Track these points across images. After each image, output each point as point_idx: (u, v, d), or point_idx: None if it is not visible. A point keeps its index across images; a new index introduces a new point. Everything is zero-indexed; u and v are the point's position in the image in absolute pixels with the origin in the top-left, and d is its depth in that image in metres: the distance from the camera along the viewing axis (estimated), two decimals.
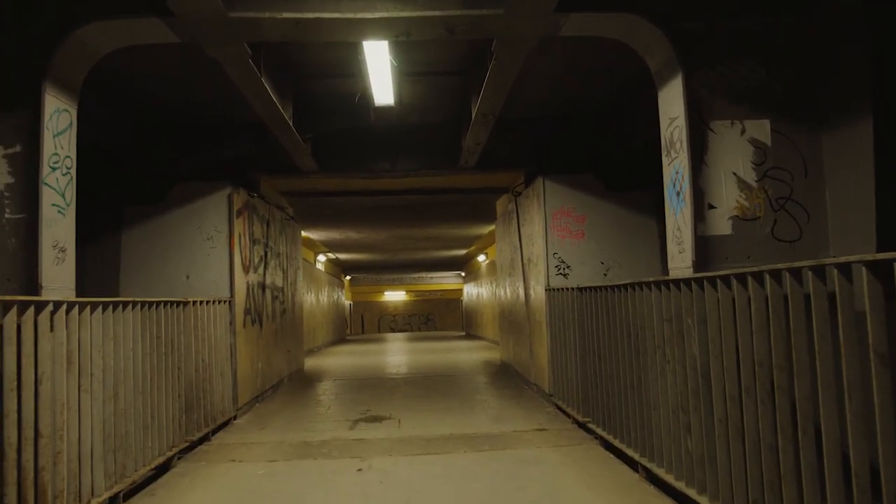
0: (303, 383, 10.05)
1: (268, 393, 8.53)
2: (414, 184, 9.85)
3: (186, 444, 5.48)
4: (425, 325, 42.78)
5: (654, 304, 4.15)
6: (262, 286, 8.37)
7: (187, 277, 7.08)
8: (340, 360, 15.15)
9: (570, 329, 6.21)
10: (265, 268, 8.53)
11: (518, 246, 8.99)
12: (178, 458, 5.24)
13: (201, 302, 6.02)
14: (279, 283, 9.42)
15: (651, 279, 4.15)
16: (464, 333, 29.20)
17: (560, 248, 7.36)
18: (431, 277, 36.33)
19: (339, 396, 8.48)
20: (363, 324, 41.56)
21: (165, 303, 5.17)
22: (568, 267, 7.34)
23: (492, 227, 15.30)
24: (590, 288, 5.55)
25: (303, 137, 6.92)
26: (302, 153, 7.26)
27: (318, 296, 20.25)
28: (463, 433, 5.94)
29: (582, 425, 5.83)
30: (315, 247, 18.89)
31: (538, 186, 7.54)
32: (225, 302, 6.82)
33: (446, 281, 36.62)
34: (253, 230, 8.00)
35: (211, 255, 7.11)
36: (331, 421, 6.77)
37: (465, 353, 15.64)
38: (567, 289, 6.32)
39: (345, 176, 8.29)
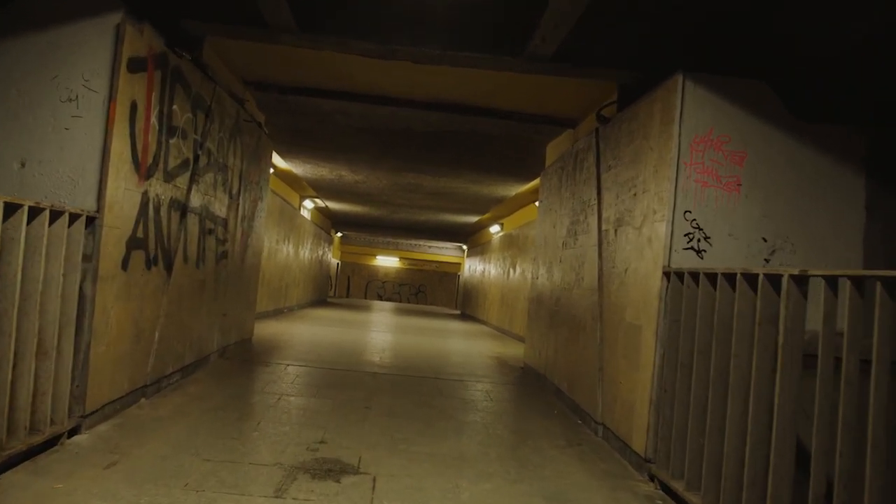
0: (240, 365, 6.89)
1: (173, 379, 5.36)
2: (443, 88, 6.59)
3: None
4: (415, 296, 39.80)
5: None
6: (182, 208, 5.15)
7: (22, 165, 3.84)
8: (312, 329, 12.01)
9: (766, 362, 3.04)
10: (192, 180, 5.30)
11: (593, 202, 5.79)
12: None
13: None
14: (218, 210, 6.19)
15: None
16: (459, 313, 26.16)
17: (697, 203, 4.16)
18: (429, 247, 33.25)
19: (285, 400, 5.34)
20: (349, 286, 38.51)
21: None
22: (706, 238, 4.16)
23: (523, 188, 12.06)
24: None
25: None
26: None
27: (299, 248, 17.07)
28: None
29: None
30: (301, 188, 15.62)
31: (669, 95, 4.32)
32: (76, 216, 3.62)
33: (445, 252, 33.57)
34: (171, 110, 4.75)
35: (72, 130, 3.87)
36: (248, 463, 3.62)
37: (467, 342, 12.52)
38: (765, 277, 3.14)
39: (338, 43, 5.03)
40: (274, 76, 6.77)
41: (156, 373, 4.92)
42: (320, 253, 21.88)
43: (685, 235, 4.15)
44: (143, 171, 4.36)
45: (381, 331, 13.12)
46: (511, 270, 15.56)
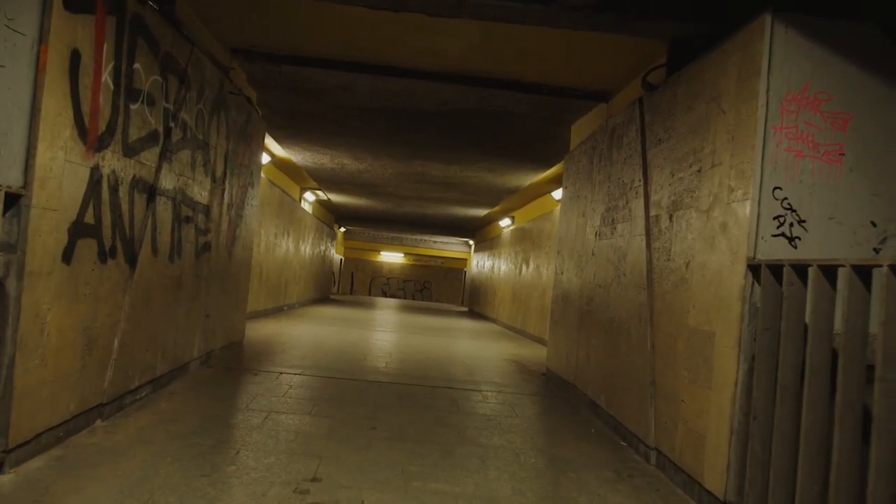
0: (225, 374, 6.04)
1: (140, 394, 4.51)
2: (458, 55, 5.71)
3: None
4: (420, 293, 38.96)
5: None
6: (149, 189, 4.30)
7: None
8: (312, 329, 11.17)
9: None
10: (163, 157, 4.44)
11: (637, 184, 4.92)
12: None
13: None
14: (198, 195, 5.34)
15: None
16: (466, 310, 25.30)
17: (789, 178, 3.29)
18: (435, 242, 32.38)
19: (274, 419, 4.48)
20: (353, 283, 37.69)
21: None
22: (801, 222, 3.29)
23: (539, 177, 11.18)
24: None
25: None
26: None
27: (300, 242, 16.23)
28: None
29: None
30: (301, 178, 14.77)
31: (752, 42, 3.44)
32: None
33: (450, 248, 32.71)
34: (131, 68, 3.90)
35: None
36: None
37: (478, 343, 11.66)
38: None
39: None
40: (264, 42, 5.90)
41: (116, 388, 4.07)
42: (322, 248, 21.05)
43: (774, 219, 3.28)
44: (93, 139, 3.50)
45: (385, 330, 12.27)
46: (524, 266, 14.69)
